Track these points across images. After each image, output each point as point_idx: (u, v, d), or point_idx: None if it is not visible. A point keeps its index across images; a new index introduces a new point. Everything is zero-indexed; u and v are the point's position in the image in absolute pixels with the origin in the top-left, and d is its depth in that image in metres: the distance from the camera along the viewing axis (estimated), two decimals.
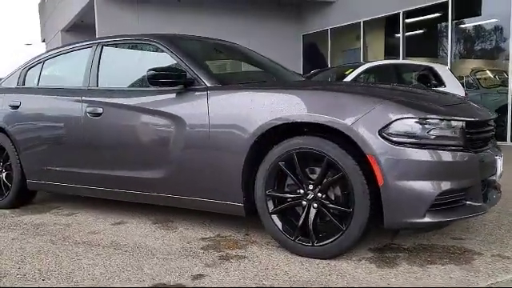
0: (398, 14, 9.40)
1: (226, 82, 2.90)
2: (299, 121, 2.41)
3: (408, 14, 9.34)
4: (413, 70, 6.73)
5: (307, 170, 2.50)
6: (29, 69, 3.90)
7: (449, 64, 8.33)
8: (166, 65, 3.05)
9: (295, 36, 12.36)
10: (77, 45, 3.69)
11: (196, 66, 2.95)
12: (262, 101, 2.56)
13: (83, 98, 3.33)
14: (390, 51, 10.03)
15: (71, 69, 3.75)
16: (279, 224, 2.55)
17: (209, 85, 2.83)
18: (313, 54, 12.11)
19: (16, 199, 3.88)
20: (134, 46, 3.41)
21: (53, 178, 3.59)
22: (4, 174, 3.94)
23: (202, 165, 2.77)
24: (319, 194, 2.45)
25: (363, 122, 2.26)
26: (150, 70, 2.82)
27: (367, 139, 2.24)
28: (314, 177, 2.49)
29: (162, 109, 2.94)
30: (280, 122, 2.47)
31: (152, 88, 3.01)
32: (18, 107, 3.72)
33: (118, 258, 2.61)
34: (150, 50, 3.28)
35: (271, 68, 3.68)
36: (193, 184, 2.86)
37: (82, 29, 15.13)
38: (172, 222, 3.34)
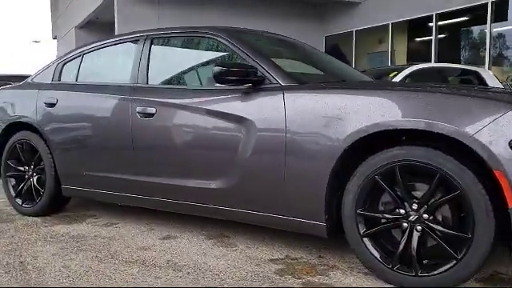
0: (431, 16, 9.02)
1: (303, 81, 2.54)
2: (407, 128, 2.04)
3: (441, 16, 8.97)
4: (459, 74, 6.38)
5: (408, 185, 2.14)
6: (65, 63, 3.55)
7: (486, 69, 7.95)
8: (229, 61, 2.70)
9: (317, 37, 12.00)
10: (121, 38, 3.33)
11: (267, 63, 2.59)
12: (356, 103, 2.19)
13: (132, 96, 2.97)
14: (420, 55, 9.65)
15: (115, 64, 3.40)
16: (372, 249, 2.18)
17: (283, 84, 2.47)
18: (336, 57, 11.72)
19: (48, 206, 3.52)
20: (188, 40, 3.04)
21: (92, 184, 3.23)
22: (35, 178, 3.58)
23: (276, 175, 2.41)
24: (425, 216, 2.08)
25: (490, 130, 1.89)
26: (216, 65, 2.47)
27: (495, 152, 1.87)
28: (417, 194, 2.12)
29: (226, 110, 2.58)
30: (378, 129, 2.10)
31: (213, 86, 2.67)
32: (54, 105, 3.36)
33: (181, 282, 2.25)
34: (207, 44, 2.92)
35: (338, 66, 3.31)
36: (263, 197, 2.49)
37: (96, 26, 14.88)
38: (227, 237, 2.97)
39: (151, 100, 2.88)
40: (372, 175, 2.15)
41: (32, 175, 3.59)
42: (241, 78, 2.49)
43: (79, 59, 3.48)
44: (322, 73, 3.09)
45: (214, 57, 2.89)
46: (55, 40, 21.42)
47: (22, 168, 3.64)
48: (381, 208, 2.22)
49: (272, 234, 2.97)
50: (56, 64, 3.58)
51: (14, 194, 3.66)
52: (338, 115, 2.21)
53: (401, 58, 10.13)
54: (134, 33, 3.28)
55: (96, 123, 3.15)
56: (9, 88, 3.97)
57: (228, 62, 2.58)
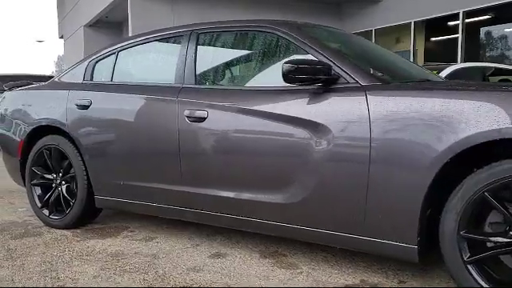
0: (458, 14, 8.69)
1: (386, 80, 2.22)
2: None
3: (468, 14, 8.64)
4: (502, 73, 6.06)
5: None
6: (98, 61, 3.23)
7: None
8: (290, 57, 2.38)
9: None
10: (161, 33, 3.01)
11: (341, 59, 2.27)
12: (463, 107, 1.87)
13: (178, 98, 2.65)
14: (445, 54, 9.32)
15: (155, 62, 3.08)
16: (479, 278, 1.86)
17: (363, 83, 2.15)
18: None
19: (79, 218, 3.21)
20: (241, 35, 2.72)
21: (131, 194, 2.91)
22: (64, 187, 3.26)
23: (355, 189, 2.09)
24: None
25: None
26: (286, 62, 2.15)
27: None
28: None
29: (293, 113, 2.26)
30: (500, 137, 1.77)
31: (276, 86, 2.36)
32: (87, 107, 3.04)
33: None
34: (265, 39, 2.59)
35: (405, 62, 2.97)
36: (337, 214, 2.17)
37: (106, 24, 14.60)
38: (284, 255, 2.66)
39: (202, 102, 2.56)
40: (481, 191, 1.83)
41: (60, 184, 3.27)
42: (312, 77, 2.17)
43: (114, 57, 3.15)
44: (394, 70, 2.75)
45: (273, 53, 2.57)
46: (61, 39, 21.13)
47: (49, 176, 3.33)
48: (487, 230, 1.90)
49: (333, 251, 2.65)
50: (87, 62, 3.26)
51: (39, 205, 3.34)
52: (440, 120, 1.88)
53: (424, 58, 9.80)
54: (176, 28, 2.96)
55: (136, 128, 2.84)
56: (31, 88, 3.66)
57: (298, 58, 2.26)
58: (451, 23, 8.90)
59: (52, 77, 11.26)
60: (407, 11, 9.71)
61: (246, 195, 2.44)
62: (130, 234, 3.15)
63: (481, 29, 8.86)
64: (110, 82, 3.11)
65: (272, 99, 2.36)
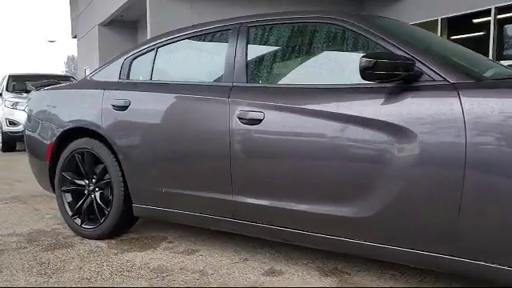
0: (489, 10, 8.35)
1: (477, 78, 1.94)
2: None
3: (501, 10, 8.30)
4: None
5: None
6: (135, 58, 2.98)
7: None
8: (375, 52, 2.10)
9: None
10: (206, 28, 2.74)
11: (424, 54, 2.00)
12: None
13: (229, 98, 2.39)
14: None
15: (199, 59, 2.83)
16: None
17: (452, 81, 1.87)
18: None
19: (114, 228, 2.96)
20: (299, 28, 2.44)
21: (174, 203, 2.66)
22: (98, 194, 3.02)
23: (446, 202, 1.81)
24: None
25: None
26: (364, 57, 1.88)
27: None
28: None
29: (369, 114, 1.99)
30: None
31: (345, 84, 2.10)
32: (125, 108, 2.79)
33: None
34: (328, 32, 2.32)
35: (479, 56, 2.67)
36: (423, 230, 1.90)
37: (120, 23, 14.44)
38: (347, 273, 2.39)
39: (257, 103, 2.30)
40: None
41: (93, 190, 3.03)
42: (392, 73, 1.90)
43: (152, 54, 2.90)
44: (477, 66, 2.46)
45: (339, 47, 2.30)
46: (73, 40, 21.03)
47: (80, 182, 3.09)
48: None
49: (401, 269, 2.38)
50: (123, 59, 3.01)
51: (71, 213, 3.10)
52: None
53: None
54: (221, 22, 2.70)
55: (180, 131, 2.58)
56: (60, 88, 3.42)
57: (377, 52, 2.00)
58: (482, 19, 8.56)
59: (68, 76, 11.10)
60: (434, 8, 9.39)
61: (307, 207, 2.18)
62: (169, 245, 2.89)
63: None
64: (150, 81, 2.86)
65: (341, 98, 2.09)
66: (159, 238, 3.04)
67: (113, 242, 2.97)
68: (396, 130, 1.91)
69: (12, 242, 2.96)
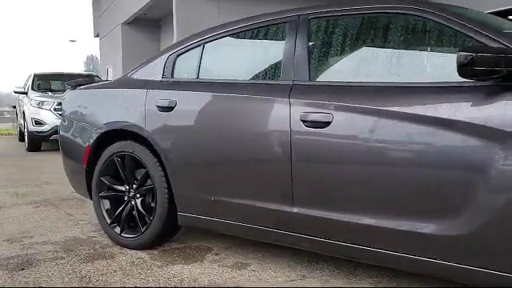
0: None
1: None
2: None
3: None
4: None
5: None
6: (179, 55, 2.76)
7: None
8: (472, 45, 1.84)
9: None
10: (259, 21, 2.51)
11: None
12: None
13: (292, 98, 2.15)
14: None
15: (253, 55, 2.60)
16: None
17: None
18: None
19: (157, 238, 2.75)
20: (370, 19, 2.18)
21: (224, 213, 2.44)
22: (139, 201, 2.81)
23: None
24: None
25: None
26: (461, 50, 1.63)
27: None
28: None
29: (463, 117, 1.73)
30: None
31: (432, 82, 1.85)
32: (171, 109, 2.58)
33: None
34: (405, 24, 2.05)
35: None
36: None
37: (143, 22, 14.32)
38: None
39: (323, 103, 2.06)
40: None
41: (134, 197, 2.82)
42: (492, 69, 1.64)
43: (199, 50, 2.68)
44: None
45: (419, 41, 2.05)
46: (95, 39, 21.05)
47: (120, 187, 2.89)
48: None
49: None
50: (166, 56, 2.79)
51: (109, 220, 2.90)
52: None
53: None
54: (277, 14, 2.46)
55: (232, 134, 2.36)
56: (98, 87, 3.23)
57: (476, 46, 1.75)
58: None
59: (92, 76, 11.00)
60: (480, 2, 8.96)
61: (378, 222, 1.93)
62: (216, 257, 2.67)
63: None
64: (197, 80, 2.64)
65: (426, 99, 1.83)
66: (203, 249, 2.82)
67: (155, 252, 2.76)
68: (498, 136, 1.65)
69: (48, 252, 2.78)
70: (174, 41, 9.86)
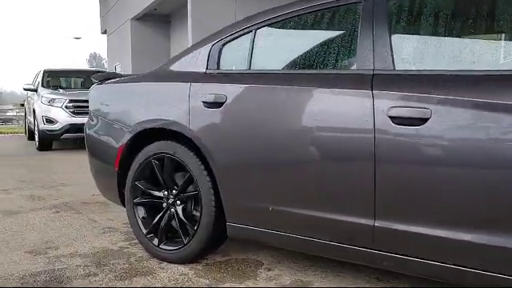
0: None
1: None
2: None
3: None
4: None
5: None
6: (225, 43, 2.42)
7: None
8: None
9: None
10: (321, 2, 2.16)
11: None
12: None
13: (375, 90, 1.82)
14: None
15: (315, 41, 2.25)
16: None
17: None
18: None
19: (201, 251, 2.43)
20: None
21: (285, 225, 2.11)
22: (180, 209, 2.48)
23: None
24: None
25: None
26: None
27: None
28: None
29: None
30: None
31: None
32: (220, 105, 2.24)
33: None
34: None
35: None
36: None
37: (153, 17, 13.98)
38: None
39: (419, 96, 1.72)
40: None
41: (173, 204, 2.50)
42: None
43: (249, 37, 2.34)
44: None
45: None
46: (99, 36, 20.74)
47: (158, 193, 2.56)
48: None
49: None
50: (211, 45, 2.46)
51: (145, 230, 2.58)
52: None
53: None
54: None
55: (297, 133, 2.02)
56: (127, 81, 2.90)
57: None
58: None
59: (102, 72, 10.69)
60: None
61: (492, 240, 1.59)
62: (269, 273, 2.34)
63: None
64: (250, 71, 2.30)
65: None
66: (252, 263, 2.50)
67: (199, 267, 2.43)
68: None
69: (78, 266, 2.46)
70: (189, 37, 9.52)
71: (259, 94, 2.17)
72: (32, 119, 9.03)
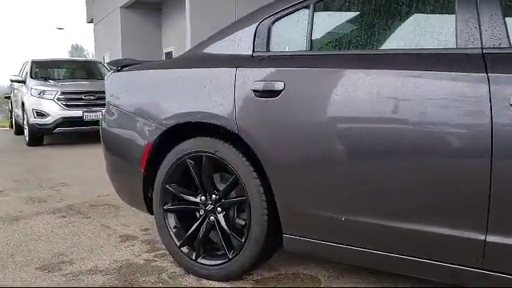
0: None
1: None
2: None
3: None
4: None
5: None
6: (275, 20, 2.04)
7: None
8: None
9: None
10: None
11: None
12: None
13: (490, 72, 1.46)
14: None
15: (395, 14, 1.87)
16: None
17: None
18: None
19: (250, 266, 2.07)
20: None
21: (362, 238, 1.75)
22: (221, 217, 2.11)
23: None
24: None
25: None
26: None
27: None
28: None
29: None
30: None
31: None
32: (277, 93, 1.86)
33: None
34: None
35: None
36: None
37: (143, 5, 13.47)
38: None
39: None
40: None
41: (213, 211, 2.12)
42: None
43: (306, 12, 1.96)
44: None
45: None
46: (89, 24, 20.05)
47: (193, 198, 2.19)
48: None
49: None
50: (257, 23, 2.07)
51: (178, 242, 2.20)
52: None
53: None
54: None
55: (378, 127, 1.67)
56: (152, 67, 2.50)
57: None
58: None
59: (95, 62, 10.14)
60: None
61: None
62: None
63: None
64: (312, 53, 1.93)
65: None
66: (306, 279, 2.15)
67: (246, 286, 2.07)
68: None
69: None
70: (187, 24, 9.07)
71: (328, 79, 1.79)
72: (20, 113, 8.50)
